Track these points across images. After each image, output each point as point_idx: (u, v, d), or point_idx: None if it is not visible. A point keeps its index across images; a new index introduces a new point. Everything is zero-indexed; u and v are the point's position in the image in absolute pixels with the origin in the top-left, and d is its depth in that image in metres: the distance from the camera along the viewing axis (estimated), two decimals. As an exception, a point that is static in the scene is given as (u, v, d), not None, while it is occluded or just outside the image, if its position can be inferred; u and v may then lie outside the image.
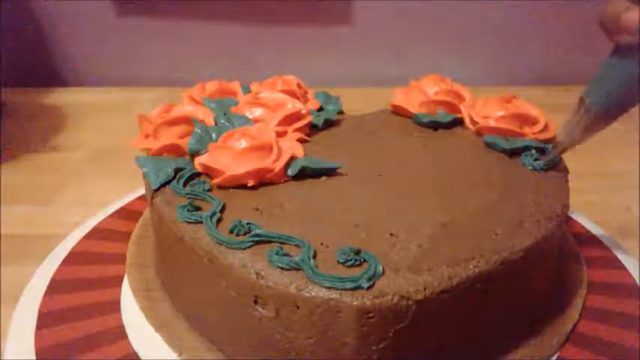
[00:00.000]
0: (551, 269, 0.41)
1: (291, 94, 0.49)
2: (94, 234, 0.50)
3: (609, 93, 0.38)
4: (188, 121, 0.45)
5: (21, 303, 0.42)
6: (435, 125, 0.50)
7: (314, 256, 0.33)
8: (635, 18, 0.34)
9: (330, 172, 0.42)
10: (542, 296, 0.41)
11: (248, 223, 0.36)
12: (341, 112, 0.53)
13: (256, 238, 0.35)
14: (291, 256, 0.33)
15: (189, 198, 0.39)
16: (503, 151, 0.45)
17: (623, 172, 0.64)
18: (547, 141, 0.46)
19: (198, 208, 0.38)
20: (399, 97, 0.53)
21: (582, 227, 0.52)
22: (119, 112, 0.82)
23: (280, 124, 0.46)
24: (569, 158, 0.44)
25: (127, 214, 0.53)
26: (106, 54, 0.93)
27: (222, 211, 0.38)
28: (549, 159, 0.43)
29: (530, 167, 0.43)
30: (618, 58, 0.37)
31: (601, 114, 0.39)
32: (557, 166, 0.43)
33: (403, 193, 0.40)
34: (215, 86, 0.52)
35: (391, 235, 0.35)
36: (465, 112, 0.50)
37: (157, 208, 0.40)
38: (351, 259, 0.33)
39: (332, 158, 0.43)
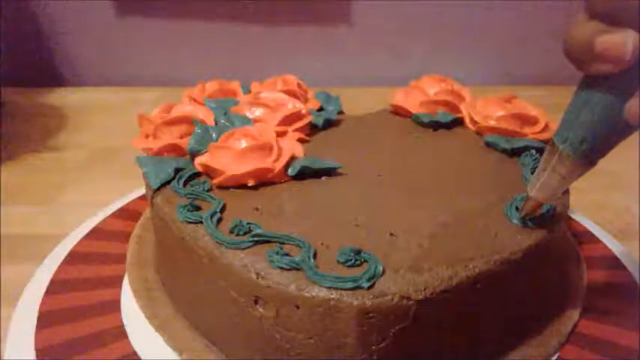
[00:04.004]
0: (551, 269, 0.41)
1: (291, 94, 0.49)
2: (94, 234, 0.50)
3: (586, 135, 0.31)
4: (188, 121, 0.45)
5: (21, 303, 0.42)
6: (435, 125, 0.50)
7: (314, 256, 0.33)
8: (615, 42, 0.27)
9: (330, 172, 0.42)
10: (542, 296, 0.41)
11: (248, 223, 0.36)
12: (341, 112, 0.53)
13: (256, 238, 0.35)
14: (291, 256, 0.33)
15: (189, 198, 0.39)
16: (503, 151, 0.45)
17: (623, 172, 0.64)
18: (547, 141, 0.46)
19: (198, 208, 0.38)
20: (399, 97, 0.53)
21: (582, 227, 0.52)
22: (119, 112, 0.82)
23: (280, 124, 0.46)
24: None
25: (127, 214, 0.53)
26: (106, 54, 0.93)
27: (222, 211, 0.38)
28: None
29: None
30: (593, 92, 0.30)
31: (579, 160, 0.32)
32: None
33: (403, 193, 0.40)
34: (215, 86, 0.52)
35: (391, 235, 0.35)
36: (465, 112, 0.50)
37: (157, 208, 0.40)
38: (351, 259, 0.33)
39: (332, 158, 0.43)
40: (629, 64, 0.27)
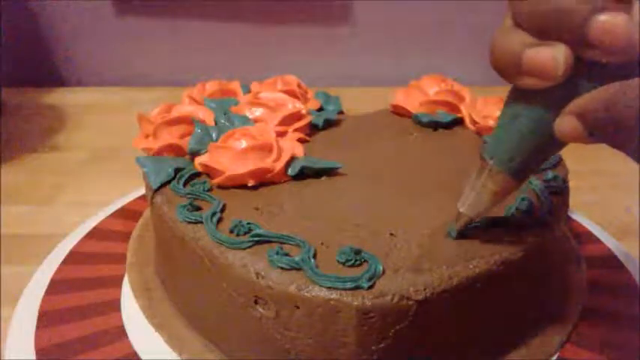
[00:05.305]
0: (551, 269, 0.41)
1: (291, 94, 0.49)
2: (94, 234, 0.50)
3: (515, 150, 0.29)
4: (188, 121, 0.45)
5: (21, 303, 0.42)
6: (435, 125, 0.50)
7: (314, 256, 0.33)
8: (544, 57, 0.25)
9: (330, 172, 0.42)
10: (542, 296, 0.41)
11: (248, 223, 0.36)
12: (341, 112, 0.53)
13: (256, 238, 0.35)
14: (291, 256, 0.33)
15: (189, 198, 0.39)
16: (504, 151, 0.45)
17: (623, 172, 0.64)
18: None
19: (198, 208, 0.38)
20: (399, 97, 0.53)
21: (582, 227, 0.52)
22: (119, 112, 0.82)
23: (280, 124, 0.46)
24: (568, 158, 0.44)
25: (127, 214, 0.53)
26: (106, 54, 0.93)
27: (222, 211, 0.38)
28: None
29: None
30: (522, 105, 0.28)
31: (509, 176, 0.30)
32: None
33: (403, 193, 0.40)
34: (215, 86, 0.52)
35: (391, 235, 0.35)
36: (465, 112, 0.50)
37: (157, 208, 0.40)
38: (351, 259, 0.32)
39: (332, 158, 0.43)
40: (559, 80, 0.25)
